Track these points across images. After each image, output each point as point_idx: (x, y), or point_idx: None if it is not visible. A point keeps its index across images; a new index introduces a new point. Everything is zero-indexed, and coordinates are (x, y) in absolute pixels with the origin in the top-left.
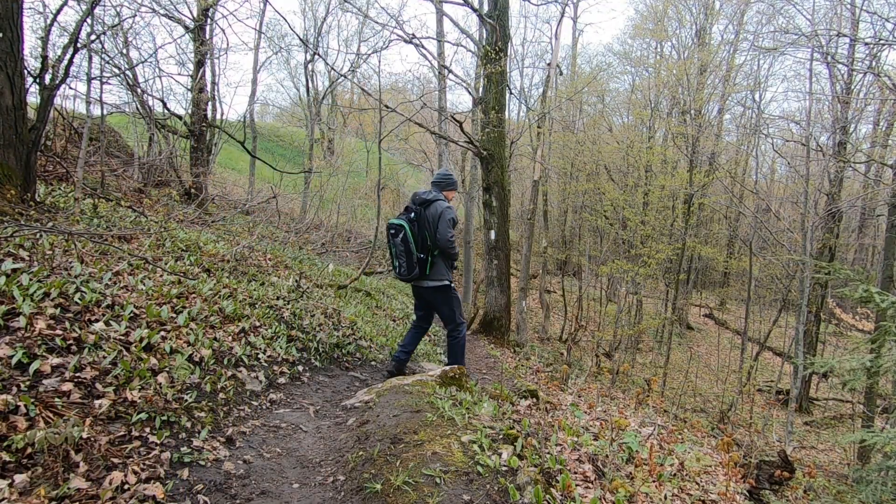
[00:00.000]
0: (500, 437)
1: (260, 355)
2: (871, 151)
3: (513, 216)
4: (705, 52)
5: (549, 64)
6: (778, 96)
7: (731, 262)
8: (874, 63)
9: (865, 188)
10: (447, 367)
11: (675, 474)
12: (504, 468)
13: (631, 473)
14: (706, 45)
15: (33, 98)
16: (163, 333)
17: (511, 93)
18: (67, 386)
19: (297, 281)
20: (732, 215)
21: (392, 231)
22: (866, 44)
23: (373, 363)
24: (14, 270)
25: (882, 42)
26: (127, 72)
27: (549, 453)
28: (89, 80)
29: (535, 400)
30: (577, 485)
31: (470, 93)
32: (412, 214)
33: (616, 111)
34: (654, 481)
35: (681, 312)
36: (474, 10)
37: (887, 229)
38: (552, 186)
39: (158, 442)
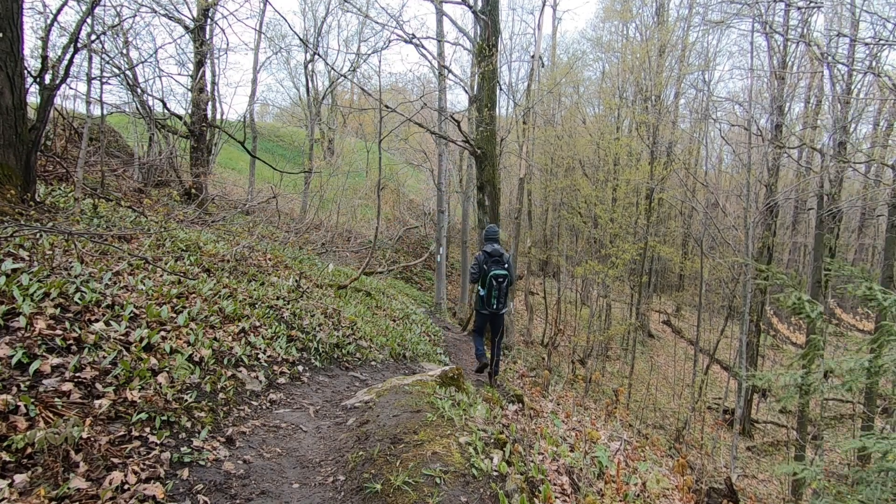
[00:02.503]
0: (492, 440)
1: (260, 355)
2: (871, 151)
3: (501, 215)
4: (664, 31)
5: (532, 56)
6: (725, 75)
7: (685, 263)
8: (874, 63)
9: (866, 188)
10: (447, 368)
11: (638, 494)
12: (495, 473)
13: (601, 490)
14: (664, 24)
15: (33, 98)
16: (163, 333)
17: (501, 89)
18: (67, 386)
19: (297, 281)
20: (686, 211)
21: (500, 279)
22: (866, 44)
23: (373, 363)
24: (14, 270)
25: (882, 42)
26: (127, 72)
27: (532, 461)
28: (89, 80)
29: (521, 405)
30: (556, 496)
31: (466, 91)
32: (506, 265)
33: (589, 101)
34: (620, 500)
35: (643, 318)
36: (469, 8)
37: (887, 229)
38: (535, 183)
39: (158, 442)
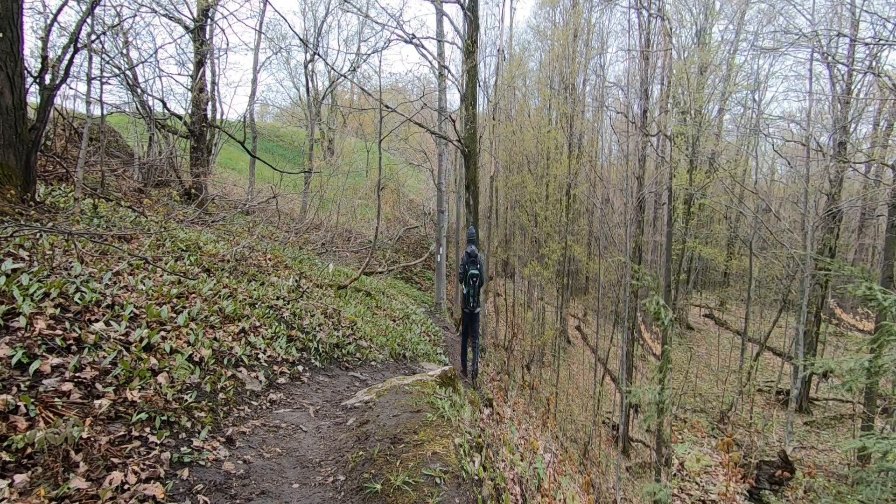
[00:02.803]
0: (474, 443)
1: (260, 355)
2: (872, 151)
3: (479, 214)
4: (576, 13)
5: (499, 50)
6: (778, 96)
7: (731, 262)
8: (874, 63)
9: (866, 188)
10: (446, 368)
11: (675, 474)
12: (475, 477)
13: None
14: (577, 6)
15: (33, 98)
16: (163, 333)
17: (480, 85)
18: (67, 386)
19: (297, 281)
20: (733, 215)
21: (473, 279)
22: (866, 44)
23: (373, 363)
24: (14, 270)
25: (882, 42)
26: (127, 72)
27: (498, 469)
28: (89, 80)
29: (491, 409)
30: None
31: (459, 90)
32: (478, 266)
33: (532, 94)
34: None
35: (681, 312)
36: (461, 6)
37: (887, 229)
38: (500, 181)
39: (158, 442)
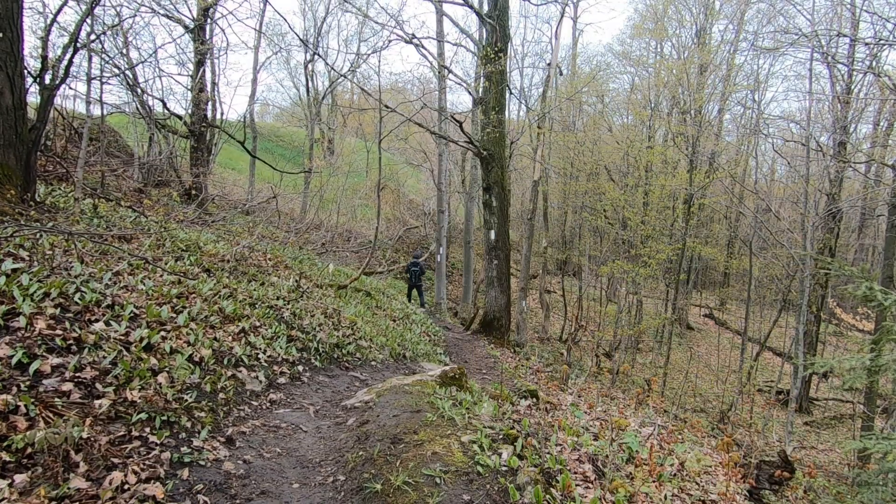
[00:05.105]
0: (500, 437)
1: (260, 355)
2: (872, 151)
3: (513, 216)
4: (705, 52)
5: (549, 64)
6: (778, 96)
7: (731, 262)
8: (874, 63)
9: (866, 188)
10: (448, 367)
11: (675, 474)
12: (504, 468)
13: (631, 473)
14: (706, 45)
15: (33, 98)
16: (163, 333)
17: (511, 93)
18: (67, 386)
19: (297, 281)
20: (732, 215)
21: (415, 268)
22: (866, 44)
23: (373, 363)
24: (14, 270)
25: (882, 42)
26: (127, 72)
27: (549, 453)
28: (89, 80)
29: (535, 400)
30: (577, 485)
31: (470, 93)
32: (418, 264)
33: (616, 111)
34: (654, 481)
35: (681, 312)
36: (474, 11)
37: (887, 229)
38: (552, 186)
39: (158, 442)
